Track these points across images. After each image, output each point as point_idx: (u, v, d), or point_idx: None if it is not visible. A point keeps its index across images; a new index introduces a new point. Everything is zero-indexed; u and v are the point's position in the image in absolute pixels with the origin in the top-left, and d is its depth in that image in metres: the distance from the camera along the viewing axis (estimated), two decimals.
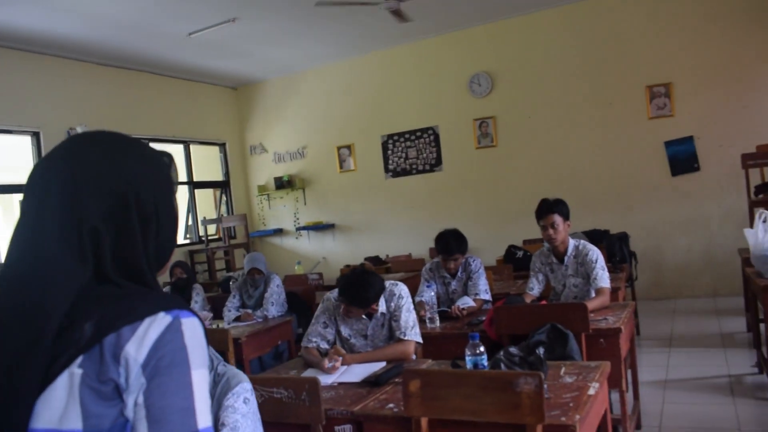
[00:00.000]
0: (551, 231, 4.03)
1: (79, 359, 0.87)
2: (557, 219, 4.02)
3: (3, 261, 0.96)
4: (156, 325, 0.89)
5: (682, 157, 7.71)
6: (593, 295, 3.89)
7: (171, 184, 1.05)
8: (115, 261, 0.95)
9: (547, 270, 4.24)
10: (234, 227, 10.29)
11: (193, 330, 0.92)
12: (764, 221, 4.05)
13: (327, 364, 3.01)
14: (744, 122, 7.37)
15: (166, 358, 0.88)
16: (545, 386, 2.18)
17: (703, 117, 7.60)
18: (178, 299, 0.94)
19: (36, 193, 0.95)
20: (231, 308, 5.43)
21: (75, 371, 0.86)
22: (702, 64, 7.58)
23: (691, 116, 7.66)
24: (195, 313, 0.94)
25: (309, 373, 3.04)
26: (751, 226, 4.24)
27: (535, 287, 4.20)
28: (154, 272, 1.01)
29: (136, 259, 0.96)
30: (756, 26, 7.33)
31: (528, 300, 4.05)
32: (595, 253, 4.03)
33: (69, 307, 0.89)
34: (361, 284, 3.17)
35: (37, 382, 0.85)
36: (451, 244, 4.36)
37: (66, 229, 0.92)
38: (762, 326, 4.45)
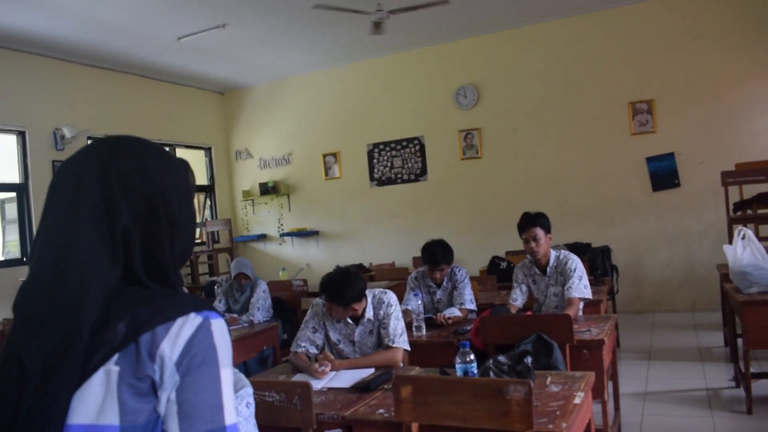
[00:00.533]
0: (533, 244, 4.10)
1: (115, 357, 0.90)
2: (539, 232, 4.09)
3: (33, 258, 0.98)
4: (188, 325, 0.93)
5: (664, 173, 7.85)
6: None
7: (191, 190, 1.11)
8: (143, 261, 0.98)
9: (529, 281, 4.30)
10: (218, 232, 10.27)
11: (221, 330, 0.97)
12: (743, 238, 4.15)
13: (316, 367, 3.04)
14: (724, 140, 7.53)
15: (198, 357, 0.92)
16: (534, 394, 2.23)
17: (685, 134, 7.75)
18: (205, 300, 0.99)
19: (68, 193, 0.98)
20: None
21: (112, 368, 0.90)
22: (684, 82, 7.73)
23: (673, 133, 7.80)
24: (221, 315, 0.99)
25: (298, 377, 3.07)
26: (730, 242, 4.34)
27: (518, 298, 4.26)
28: (179, 272, 1.05)
29: (163, 260, 1.00)
30: (737, 46, 7.50)
31: (512, 311, 4.11)
32: (575, 262, 4.10)
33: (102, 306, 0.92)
34: (341, 282, 3.23)
35: (74, 378, 0.88)
36: (437, 254, 4.41)
37: (101, 228, 0.95)
38: (739, 341, 4.54)
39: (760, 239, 4.70)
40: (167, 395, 0.91)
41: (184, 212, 1.06)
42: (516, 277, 4.35)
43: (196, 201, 10.79)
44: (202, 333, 0.94)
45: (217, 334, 0.96)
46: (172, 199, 1.03)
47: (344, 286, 3.21)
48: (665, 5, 7.78)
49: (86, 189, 0.97)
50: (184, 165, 1.11)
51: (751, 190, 6.55)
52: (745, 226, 4.73)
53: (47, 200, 1.00)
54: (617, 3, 7.90)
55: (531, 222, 4.13)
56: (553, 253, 4.20)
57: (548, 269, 4.18)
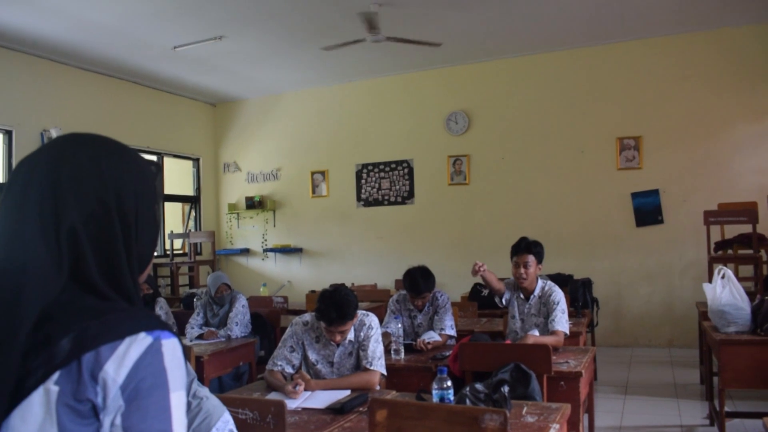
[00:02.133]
0: (523, 270, 4.12)
1: (55, 376, 0.85)
2: (531, 260, 4.12)
3: None
4: (136, 345, 0.87)
5: (648, 209, 7.93)
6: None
7: (154, 194, 1.05)
8: (98, 267, 0.93)
9: (512, 297, 4.31)
10: (201, 243, 10.21)
11: (173, 351, 0.91)
12: (722, 277, 4.19)
13: (290, 387, 3.01)
14: (708, 180, 7.63)
15: (147, 381, 0.87)
16: (509, 424, 2.22)
17: (670, 172, 7.84)
18: (158, 318, 0.92)
19: (17, 192, 0.94)
20: (194, 325, 5.38)
21: (51, 388, 0.84)
22: (671, 121, 7.84)
23: (658, 170, 7.90)
24: (175, 333, 0.93)
25: (272, 396, 3.04)
26: (710, 280, 4.38)
27: (505, 299, 4.31)
28: (136, 278, 0.99)
29: (118, 265, 0.94)
30: (724, 88, 7.62)
31: (497, 285, 4.22)
32: (559, 295, 4.12)
33: (45, 318, 0.86)
34: (343, 298, 3.18)
35: (6, 396, 0.83)
36: (419, 283, 4.41)
37: (46, 229, 0.91)
38: (715, 379, 4.56)
39: (740, 279, 4.75)
40: (111, 420, 0.85)
41: (143, 216, 1.00)
42: (506, 285, 4.36)
43: (181, 211, 10.80)
44: (152, 354, 0.88)
45: (168, 356, 0.89)
46: (129, 201, 0.97)
47: (346, 302, 3.18)
48: (656, 45, 7.92)
49: (35, 187, 0.92)
50: (149, 168, 1.06)
51: (732, 230, 6.64)
52: (726, 265, 4.78)
53: (2, 199, 0.96)
54: (610, 39, 8.01)
55: (527, 248, 4.15)
56: (539, 283, 4.22)
57: (532, 297, 4.20)
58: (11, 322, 0.85)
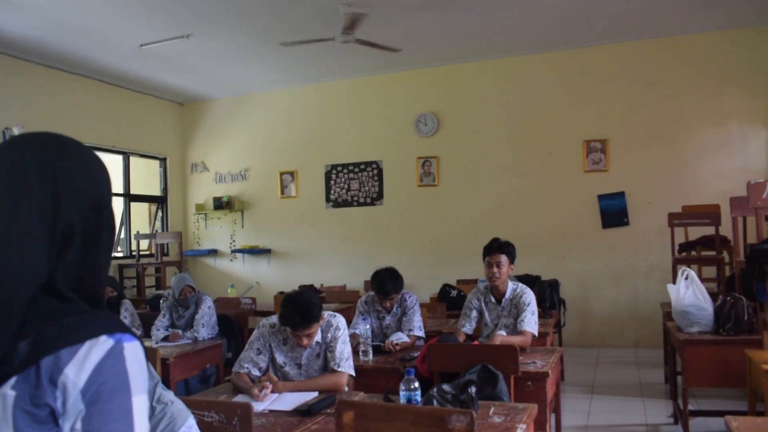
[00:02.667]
0: (496, 269, 4.13)
1: (12, 380, 0.83)
2: (504, 259, 4.13)
3: None
4: (97, 348, 0.86)
5: (614, 211, 8.04)
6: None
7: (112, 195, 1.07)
8: (77, 268, 0.92)
9: (482, 307, 4.31)
10: (168, 244, 10.08)
11: (135, 354, 0.90)
12: (686, 278, 4.26)
13: (256, 391, 2.98)
14: (672, 183, 7.76)
15: (108, 384, 0.85)
16: (476, 425, 2.22)
17: (635, 174, 7.96)
18: (119, 321, 0.91)
19: (8, 185, 0.91)
20: (160, 327, 5.30)
21: (8, 393, 0.82)
22: (637, 125, 7.97)
23: (624, 173, 8.01)
24: (137, 337, 0.92)
25: (239, 398, 3.00)
26: (674, 282, 4.44)
27: (466, 325, 4.27)
28: (104, 284, 0.99)
29: (98, 268, 0.95)
30: (689, 94, 7.78)
31: (460, 338, 4.12)
32: (530, 297, 4.15)
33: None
34: (306, 301, 3.14)
35: None
36: (387, 285, 4.40)
37: (42, 226, 0.90)
38: (679, 378, 4.63)
39: (703, 281, 4.84)
40: (71, 424, 0.84)
41: (114, 218, 1.02)
42: (469, 303, 4.35)
43: (147, 211, 10.65)
44: (113, 358, 0.86)
45: (129, 359, 0.88)
46: (110, 203, 1.00)
47: (309, 305, 3.14)
48: (622, 50, 8.04)
49: (29, 183, 0.90)
50: (107, 168, 1.06)
51: (696, 232, 6.75)
52: (689, 266, 4.85)
53: None
54: (578, 44, 8.11)
55: (499, 248, 4.17)
56: (510, 285, 4.23)
57: (504, 300, 4.21)
58: (4, 320, 0.84)
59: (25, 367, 0.83)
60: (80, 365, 0.84)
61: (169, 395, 2.01)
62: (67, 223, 0.91)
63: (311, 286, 8.21)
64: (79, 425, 0.83)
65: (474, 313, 4.30)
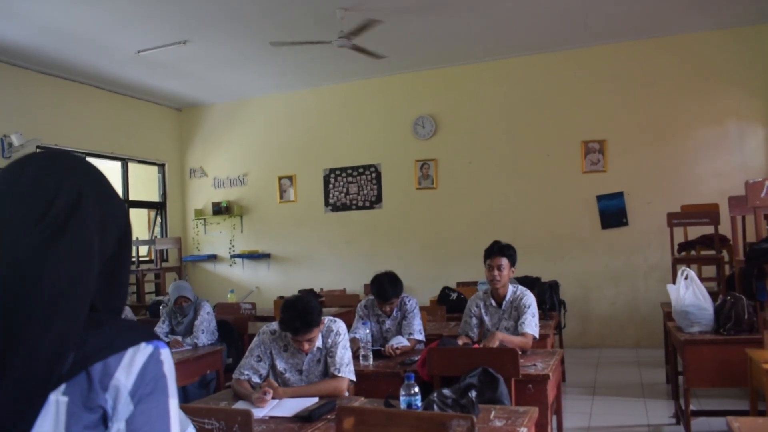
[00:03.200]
0: (496, 272, 4.13)
1: (62, 387, 0.87)
2: (504, 262, 4.13)
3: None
4: (140, 354, 0.92)
5: (612, 212, 8.04)
6: None
7: None
8: (107, 283, 0.98)
9: (482, 313, 4.30)
10: (167, 250, 10.06)
11: (169, 360, 0.97)
12: (686, 278, 4.26)
13: (257, 395, 2.97)
14: (671, 182, 7.76)
15: (150, 386, 0.92)
16: (476, 429, 2.22)
17: (634, 174, 7.96)
18: (151, 330, 0.99)
19: (37, 213, 0.90)
20: (160, 333, 5.29)
21: (60, 399, 0.87)
22: (635, 125, 7.97)
23: (623, 173, 8.01)
24: (167, 344, 0.99)
25: (239, 405, 3.00)
26: (674, 281, 4.44)
27: (468, 332, 4.26)
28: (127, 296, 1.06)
29: (124, 285, 1.02)
30: (686, 94, 7.78)
31: (461, 342, 4.11)
32: (530, 299, 4.14)
33: None
34: (306, 306, 3.14)
35: (39, 408, 0.85)
36: (386, 289, 4.39)
37: (98, 253, 0.94)
38: (680, 378, 4.63)
39: (703, 280, 4.83)
40: (117, 426, 0.89)
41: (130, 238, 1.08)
42: (469, 310, 4.34)
43: (146, 217, 10.64)
44: (153, 363, 0.93)
45: (166, 364, 0.96)
46: (130, 228, 1.05)
47: (309, 310, 3.12)
48: (619, 50, 8.04)
49: (86, 208, 0.93)
50: None
51: (695, 232, 6.75)
52: (689, 266, 4.85)
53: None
54: (575, 45, 8.12)
55: (500, 251, 4.16)
56: (510, 288, 4.22)
57: (504, 303, 4.20)
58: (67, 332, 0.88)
59: (74, 374, 0.88)
60: (128, 369, 0.90)
61: None
62: (110, 246, 0.98)
63: (311, 291, 8.22)
64: (123, 426, 0.89)
65: (474, 321, 4.29)
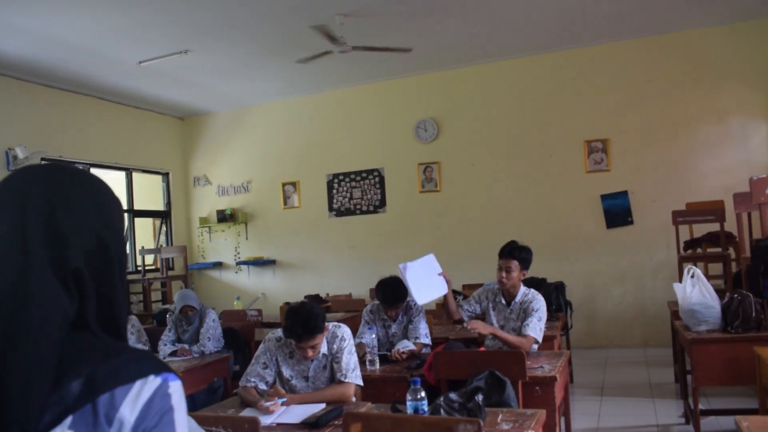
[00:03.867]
0: (504, 274, 4.11)
1: (69, 419, 0.84)
2: (514, 264, 4.11)
3: None
4: (147, 387, 0.89)
5: (617, 211, 8.01)
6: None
7: (124, 227, 1.06)
8: (97, 306, 0.94)
9: (489, 306, 4.28)
10: (173, 259, 10.09)
11: (179, 393, 0.93)
12: (692, 276, 4.24)
13: (264, 403, 2.97)
14: (676, 180, 7.74)
15: (154, 420, 0.88)
16: None
17: (638, 173, 7.94)
18: (162, 361, 0.94)
19: (7, 228, 0.90)
20: (167, 342, 5.31)
21: None
22: (638, 123, 7.95)
23: (626, 172, 7.99)
24: (178, 376, 0.94)
25: (247, 412, 3.00)
26: (680, 280, 4.42)
27: (465, 308, 4.28)
28: (127, 312, 1.00)
29: (116, 303, 0.96)
30: (688, 90, 7.76)
31: (455, 314, 4.20)
32: (539, 303, 4.09)
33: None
34: (309, 312, 3.14)
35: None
36: (391, 294, 4.39)
37: (54, 268, 0.90)
38: (689, 378, 4.61)
39: (709, 278, 4.81)
40: None
41: (125, 250, 1.02)
42: (477, 296, 4.36)
43: (152, 226, 10.67)
44: (160, 396, 0.90)
45: (175, 397, 0.92)
46: (120, 236, 0.99)
47: (312, 317, 3.13)
48: (620, 49, 8.03)
49: (33, 225, 0.90)
50: (118, 198, 1.06)
51: (701, 229, 6.73)
52: (695, 264, 4.84)
53: None
54: (575, 44, 8.11)
55: (511, 253, 4.15)
56: (522, 289, 4.20)
57: (513, 303, 4.18)
58: (39, 356, 0.84)
59: (81, 406, 0.85)
60: (133, 403, 0.87)
61: None
62: (76, 261, 0.92)
63: (317, 296, 8.22)
64: None
65: (476, 307, 4.31)
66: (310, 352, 3.19)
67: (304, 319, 3.10)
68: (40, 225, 0.90)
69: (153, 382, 0.90)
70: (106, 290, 0.95)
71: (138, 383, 0.88)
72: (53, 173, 0.97)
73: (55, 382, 0.85)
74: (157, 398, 0.89)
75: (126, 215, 9.63)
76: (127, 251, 1.06)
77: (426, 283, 4.26)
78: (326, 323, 3.27)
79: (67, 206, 0.93)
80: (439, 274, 4.27)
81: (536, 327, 3.97)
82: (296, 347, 3.21)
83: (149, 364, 0.92)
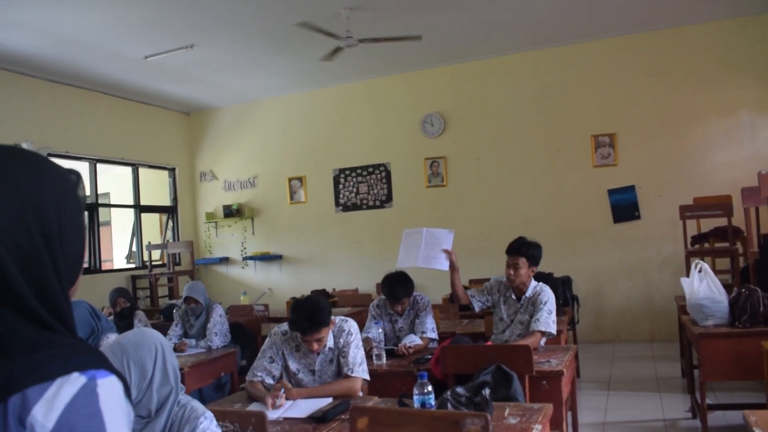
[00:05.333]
0: (512, 271, 4.11)
1: None
2: (521, 261, 4.09)
3: None
4: (68, 386, 0.79)
5: (624, 205, 7.99)
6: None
7: (77, 204, 0.96)
8: (29, 287, 0.85)
9: (500, 300, 4.28)
10: (179, 254, 10.12)
11: (110, 391, 0.83)
12: (699, 271, 4.22)
13: (270, 399, 2.98)
14: (683, 174, 7.70)
15: (80, 425, 0.79)
16: (490, 427, 2.21)
17: (645, 167, 7.91)
18: (96, 355, 0.85)
19: None
20: (173, 336, 5.33)
21: None
22: (645, 117, 7.91)
23: (633, 166, 7.96)
24: (114, 371, 0.85)
25: (254, 407, 3.00)
26: (688, 275, 4.41)
27: (475, 297, 4.29)
28: (67, 295, 0.91)
29: (48, 283, 0.87)
30: (695, 84, 7.72)
31: (462, 298, 4.25)
32: (548, 296, 4.10)
33: None
34: (314, 306, 3.14)
35: None
36: (398, 290, 4.40)
37: None
38: (696, 372, 4.59)
39: (717, 272, 4.79)
40: None
41: (66, 229, 0.91)
42: (488, 287, 4.34)
43: (158, 221, 10.69)
44: (85, 396, 0.80)
45: (104, 397, 0.81)
46: (49, 215, 0.89)
47: (318, 310, 3.13)
48: (627, 43, 7.99)
49: None
50: (69, 176, 0.97)
51: (708, 224, 6.70)
52: (703, 259, 4.82)
53: None
54: (582, 38, 8.08)
55: (518, 250, 4.13)
56: (532, 284, 4.19)
57: (523, 298, 4.17)
58: None
59: None
60: (49, 405, 0.78)
61: (185, 399, 2.11)
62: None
63: (323, 291, 8.24)
64: None
65: (487, 299, 4.30)
66: (315, 345, 3.19)
67: (310, 313, 3.10)
68: None
69: (76, 380, 0.80)
70: (33, 271, 0.86)
71: (57, 382, 0.79)
72: None
73: None
74: (81, 399, 0.79)
75: (133, 210, 9.66)
76: (84, 231, 0.99)
77: (424, 252, 4.26)
78: (332, 317, 3.28)
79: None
80: (442, 250, 4.26)
81: (548, 320, 3.98)
82: (302, 340, 3.21)
83: (76, 359, 0.82)
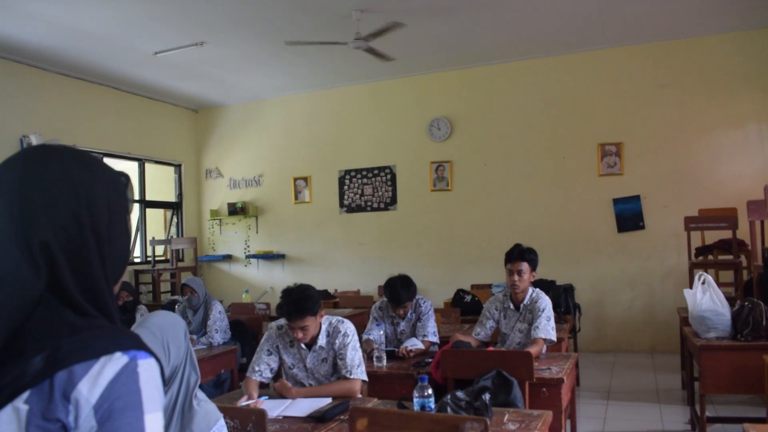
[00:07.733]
0: (516, 277, 4.07)
1: (26, 394, 0.82)
2: (525, 267, 4.07)
3: None
4: (111, 365, 0.85)
5: (629, 215, 7.98)
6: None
7: (126, 204, 1.03)
8: (74, 281, 0.91)
9: (500, 316, 4.26)
10: (183, 250, 10.14)
11: (149, 372, 0.89)
12: (703, 283, 4.22)
13: (244, 398, 3.02)
14: (688, 186, 7.69)
15: (120, 401, 0.84)
16: None
17: (650, 178, 7.90)
18: (136, 337, 0.90)
19: None
20: None
21: (20, 407, 0.82)
22: (652, 127, 7.90)
23: (639, 176, 7.95)
24: (152, 353, 0.91)
25: (242, 403, 3.02)
26: (691, 286, 4.40)
27: (481, 333, 4.23)
28: (112, 290, 0.97)
29: (94, 278, 0.93)
30: (702, 96, 7.70)
31: (472, 344, 4.09)
32: (545, 302, 4.09)
33: (18, 333, 0.84)
34: (301, 295, 3.20)
35: None
36: (400, 294, 4.38)
37: (19, 242, 0.89)
38: (696, 384, 4.58)
39: (720, 285, 4.78)
40: None
41: (115, 227, 0.97)
42: (486, 311, 4.29)
43: (163, 217, 10.71)
44: (126, 375, 0.85)
45: (144, 377, 0.87)
46: (101, 213, 0.95)
47: (304, 297, 3.20)
48: (635, 53, 7.98)
49: (4, 200, 0.90)
50: (119, 178, 1.03)
51: (712, 236, 6.69)
52: (706, 271, 4.81)
53: None
54: (590, 47, 8.07)
55: (520, 256, 4.09)
56: (529, 291, 4.18)
57: (521, 306, 4.16)
58: None
59: (39, 381, 0.82)
60: (93, 381, 0.83)
61: (202, 395, 2.11)
62: (41, 239, 0.89)
63: (325, 292, 8.24)
64: None
65: (491, 323, 4.24)
66: (300, 334, 3.22)
67: (296, 299, 3.16)
68: (11, 200, 0.90)
69: (119, 360, 0.86)
70: (82, 265, 0.92)
71: (101, 360, 0.85)
72: (32, 151, 0.97)
73: (20, 356, 0.83)
74: (123, 377, 0.85)
75: (138, 205, 9.68)
76: (130, 230, 1.05)
77: None
78: (331, 318, 3.31)
79: (39, 181, 0.92)
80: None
81: (547, 327, 3.96)
82: (288, 327, 3.25)
83: (119, 340, 0.88)
